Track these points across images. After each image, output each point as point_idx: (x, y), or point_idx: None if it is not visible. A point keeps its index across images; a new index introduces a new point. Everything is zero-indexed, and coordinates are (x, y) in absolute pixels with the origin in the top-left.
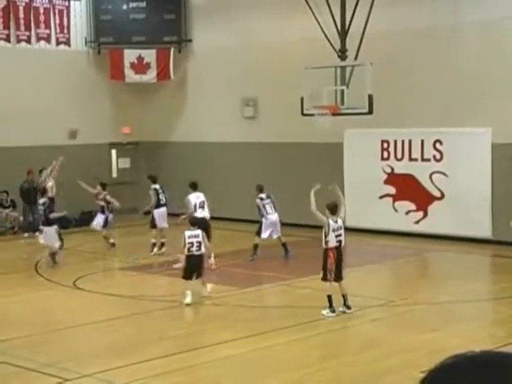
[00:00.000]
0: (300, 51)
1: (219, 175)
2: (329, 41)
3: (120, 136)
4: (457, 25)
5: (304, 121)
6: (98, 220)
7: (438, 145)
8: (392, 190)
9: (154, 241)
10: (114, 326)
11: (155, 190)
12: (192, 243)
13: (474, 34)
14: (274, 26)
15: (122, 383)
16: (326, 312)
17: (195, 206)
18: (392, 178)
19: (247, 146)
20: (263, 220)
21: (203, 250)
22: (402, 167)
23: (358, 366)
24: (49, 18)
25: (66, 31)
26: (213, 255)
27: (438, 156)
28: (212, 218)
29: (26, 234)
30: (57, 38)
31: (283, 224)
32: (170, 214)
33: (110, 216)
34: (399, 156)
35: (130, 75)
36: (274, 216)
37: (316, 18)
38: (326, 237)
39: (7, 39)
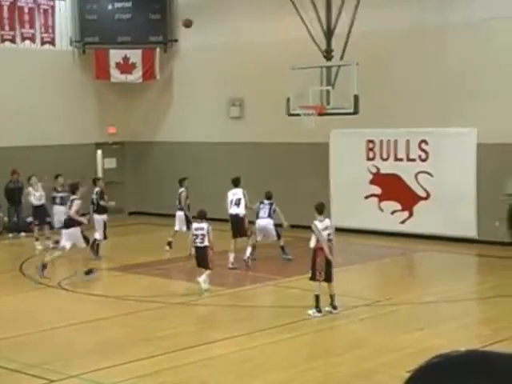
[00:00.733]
0: (286, 51)
1: (205, 175)
2: (314, 41)
3: (106, 136)
4: (443, 25)
5: (290, 121)
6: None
7: (423, 145)
8: (377, 190)
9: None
10: (101, 327)
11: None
12: (197, 235)
13: (460, 35)
14: (260, 26)
15: None
16: (312, 312)
17: (231, 202)
18: (377, 178)
19: (233, 146)
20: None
21: (207, 242)
22: (387, 167)
23: (345, 366)
24: (33, 18)
25: (50, 31)
26: (232, 255)
27: (423, 156)
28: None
29: (10, 235)
30: (42, 38)
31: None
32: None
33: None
34: (385, 156)
35: (116, 75)
36: (262, 221)
37: (302, 18)
38: (314, 236)
39: None
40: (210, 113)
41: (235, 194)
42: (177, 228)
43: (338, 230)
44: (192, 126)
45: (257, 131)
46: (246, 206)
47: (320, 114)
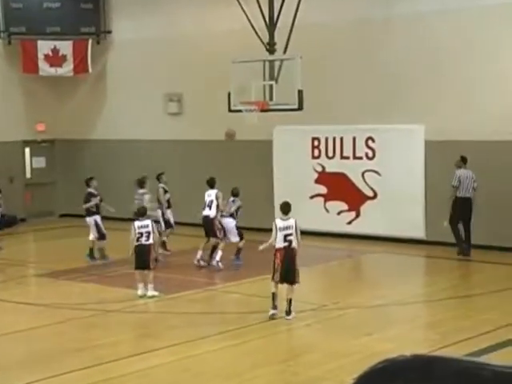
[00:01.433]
0: (227, 44)
1: (142, 174)
2: (256, 33)
3: (34, 133)
4: (388, 18)
5: (231, 117)
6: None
7: (370, 142)
8: (323, 189)
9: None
10: (31, 337)
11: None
12: (141, 233)
13: (406, 28)
14: (200, 17)
15: None
16: (270, 313)
17: (205, 203)
18: (323, 177)
19: (172, 144)
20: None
21: (151, 240)
22: (333, 166)
23: (288, 373)
24: None
25: None
26: (200, 252)
27: (370, 154)
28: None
29: None
30: None
31: None
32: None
33: None
34: (330, 154)
35: (45, 68)
36: (224, 220)
37: (243, 9)
38: (273, 234)
39: None
40: (146, 109)
41: (209, 195)
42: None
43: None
44: (127, 122)
45: (197, 128)
46: (218, 208)
47: (263, 110)
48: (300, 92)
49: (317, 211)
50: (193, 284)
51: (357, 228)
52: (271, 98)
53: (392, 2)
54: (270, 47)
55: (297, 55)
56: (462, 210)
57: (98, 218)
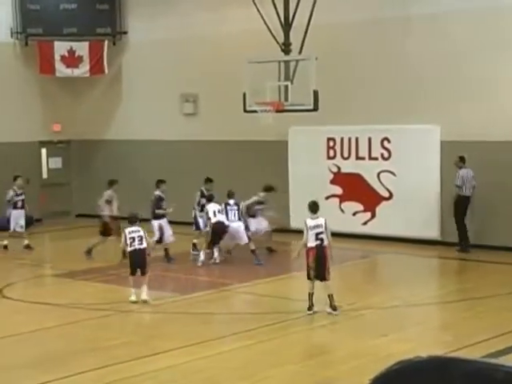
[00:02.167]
0: (242, 44)
1: (157, 175)
2: (272, 33)
3: (50, 134)
4: (404, 17)
5: (247, 118)
6: None
7: (385, 143)
8: (338, 190)
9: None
10: (44, 337)
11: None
12: (133, 238)
13: (423, 27)
14: (215, 18)
15: None
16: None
17: (214, 212)
18: (338, 178)
19: (187, 144)
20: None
21: (145, 244)
22: (348, 166)
23: (304, 374)
24: None
25: None
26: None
27: (385, 154)
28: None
29: None
30: None
31: None
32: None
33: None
34: (346, 155)
35: (61, 69)
36: (233, 224)
37: (258, 10)
38: (304, 234)
39: None
40: (161, 109)
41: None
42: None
43: (298, 232)
44: (143, 123)
45: (212, 128)
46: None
47: (278, 111)
48: (315, 92)
49: (332, 212)
50: (207, 284)
51: (372, 229)
52: (286, 99)
53: (409, 2)
54: (286, 47)
55: (312, 55)
56: (465, 207)
57: (163, 221)
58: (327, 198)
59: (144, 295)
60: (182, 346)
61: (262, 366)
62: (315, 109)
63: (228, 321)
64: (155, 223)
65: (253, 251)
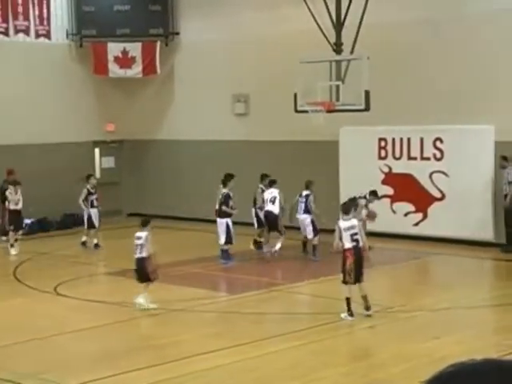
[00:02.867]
0: (293, 44)
1: (208, 174)
2: (323, 33)
3: (104, 134)
4: (457, 16)
5: (298, 118)
6: None
7: (438, 143)
8: (390, 190)
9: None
10: (98, 335)
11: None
12: (136, 245)
13: (477, 26)
14: (266, 18)
15: None
16: (344, 315)
17: (267, 200)
18: (390, 178)
19: (238, 144)
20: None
21: (145, 253)
22: (400, 166)
23: (355, 375)
24: (27, 10)
25: (45, 23)
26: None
27: (438, 155)
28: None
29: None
30: (36, 31)
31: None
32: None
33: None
34: (397, 155)
35: (114, 70)
36: (300, 216)
37: (310, 9)
38: (340, 238)
39: None
40: (213, 109)
41: (271, 192)
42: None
43: None
44: (194, 123)
45: (263, 128)
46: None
47: (329, 111)
48: (367, 92)
49: (383, 212)
50: (258, 284)
51: (424, 229)
52: (338, 99)
53: (462, 1)
54: (337, 47)
55: (364, 55)
56: None
57: (229, 220)
58: (378, 198)
59: (139, 298)
60: (232, 346)
61: (312, 366)
62: (367, 109)
63: (278, 321)
64: (223, 221)
65: (314, 246)
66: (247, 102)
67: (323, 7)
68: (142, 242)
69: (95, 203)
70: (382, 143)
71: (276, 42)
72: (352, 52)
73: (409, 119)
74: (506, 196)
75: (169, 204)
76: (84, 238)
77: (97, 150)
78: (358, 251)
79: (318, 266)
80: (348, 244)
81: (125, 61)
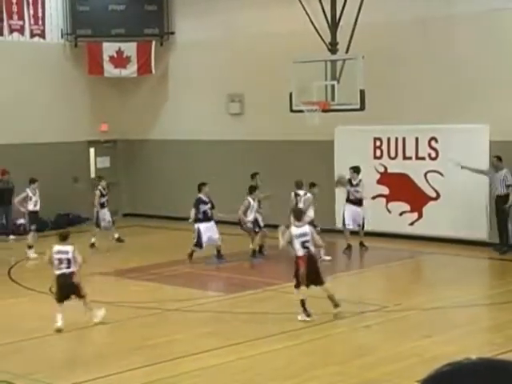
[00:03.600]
0: (288, 44)
1: (203, 174)
2: (318, 33)
3: (98, 134)
4: (451, 16)
5: (293, 117)
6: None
7: (433, 142)
8: (385, 190)
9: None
10: (91, 335)
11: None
12: (61, 260)
13: (469, 26)
14: (261, 18)
15: None
16: (300, 317)
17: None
18: (385, 178)
19: (233, 144)
20: None
21: (73, 267)
22: (395, 166)
23: (348, 375)
24: (22, 9)
25: (40, 23)
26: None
27: (433, 154)
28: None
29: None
30: (31, 30)
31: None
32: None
33: None
34: (392, 154)
35: (109, 69)
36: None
37: (305, 9)
38: (292, 245)
39: None
40: (208, 109)
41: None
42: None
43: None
44: (189, 123)
45: (258, 128)
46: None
47: (324, 111)
48: (362, 92)
49: (378, 212)
50: (252, 284)
51: (419, 229)
52: (333, 98)
53: (455, 1)
54: (332, 47)
55: (359, 55)
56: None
57: (201, 225)
58: (374, 197)
59: (97, 316)
60: (226, 345)
61: (306, 366)
62: (362, 108)
63: (272, 321)
64: (195, 227)
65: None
66: (242, 101)
67: (318, 7)
68: (70, 256)
69: (106, 204)
70: (378, 143)
71: (271, 42)
72: (347, 51)
73: (404, 119)
74: (506, 197)
75: (163, 204)
76: (93, 240)
77: (92, 150)
78: (309, 258)
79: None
80: (300, 252)
81: (120, 60)
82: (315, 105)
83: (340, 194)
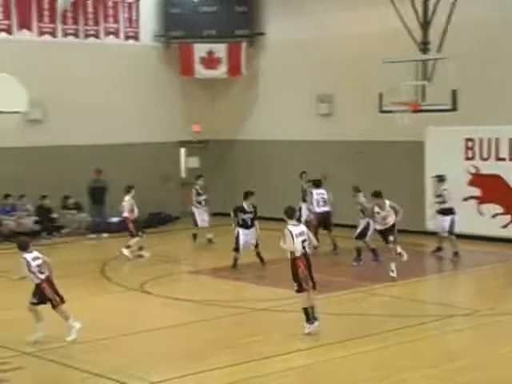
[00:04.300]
0: (378, 44)
1: (293, 174)
2: (410, 32)
3: (189, 134)
4: None
5: (382, 118)
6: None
7: None
8: (477, 191)
9: None
10: (182, 333)
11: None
12: (39, 266)
13: None
14: (351, 17)
15: None
16: (307, 329)
17: (317, 201)
18: (477, 179)
19: (322, 145)
20: (365, 222)
21: (47, 272)
22: (488, 167)
23: (438, 379)
24: (118, 12)
25: (134, 25)
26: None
27: None
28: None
29: (93, 235)
30: (125, 33)
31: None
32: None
33: None
34: (485, 155)
35: (200, 71)
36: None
37: (396, 8)
38: (286, 241)
39: (76, 34)
40: (297, 110)
41: (321, 193)
42: None
43: (434, 234)
44: (278, 123)
45: (347, 129)
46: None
47: (415, 111)
48: (454, 92)
49: (470, 214)
50: (340, 285)
51: None
52: (423, 99)
53: None
54: (424, 46)
55: (451, 54)
56: None
57: (241, 230)
58: (465, 199)
59: (73, 335)
60: (315, 346)
61: (397, 368)
62: (454, 109)
63: (361, 322)
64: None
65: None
66: (331, 102)
67: (409, 6)
68: (40, 261)
69: (203, 203)
70: (469, 143)
71: (361, 42)
72: (439, 51)
73: (497, 119)
74: None
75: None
76: (209, 235)
77: (182, 150)
78: (307, 258)
79: (399, 268)
80: (298, 252)
81: (211, 62)
82: (405, 105)
83: (431, 195)
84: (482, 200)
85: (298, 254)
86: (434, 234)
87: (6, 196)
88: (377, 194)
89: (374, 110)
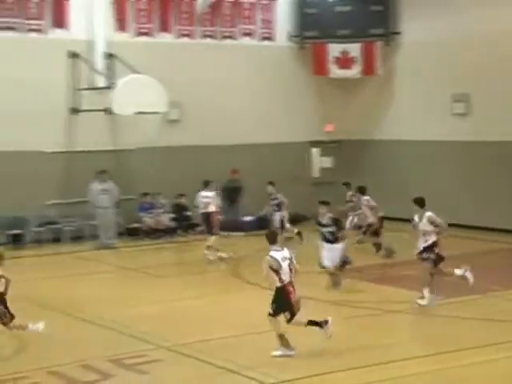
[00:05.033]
0: None
1: (428, 175)
2: None
3: (321, 134)
4: None
5: None
6: None
7: None
8: None
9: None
10: (311, 332)
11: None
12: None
13: None
14: (489, 15)
15: None
16: (279, 352)
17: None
18: None
19: (457, 145)
20: None
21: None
22: None
23: None
24: (254, 14)
25: (270, 26)
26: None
27: None
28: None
29: (225, 233)
30: (261, 34)
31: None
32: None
33: None
34: None
35: (334, 70)
36: None
37: None
38: (277, 273)
39: (213, 36)
40: (431, 109)
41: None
42: None
43: None
44: (412, 123)
45: (483, 128)
46: None
47: None
48: None
49: None
50: (474, 288)
51: None
52: None
53: None
54: None
55: None
56: None
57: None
58: None
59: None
60: (433, 353)
61: None
62: None
63: (490, 329)
64: None
65: None
66: (468, 101)
67: None
68: None
69: (275, 208)
70: None
71: (504, 39)
72: None
73: None
74: None
75: (387, 205)
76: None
77: (314, 150)
78: (293, 285)
79: None
80: (286, 277)
81: (345, 61)
82: None
83: None
84: None
85: (287, 278)
86: None
87: (145, 194)
88: None
89: None
